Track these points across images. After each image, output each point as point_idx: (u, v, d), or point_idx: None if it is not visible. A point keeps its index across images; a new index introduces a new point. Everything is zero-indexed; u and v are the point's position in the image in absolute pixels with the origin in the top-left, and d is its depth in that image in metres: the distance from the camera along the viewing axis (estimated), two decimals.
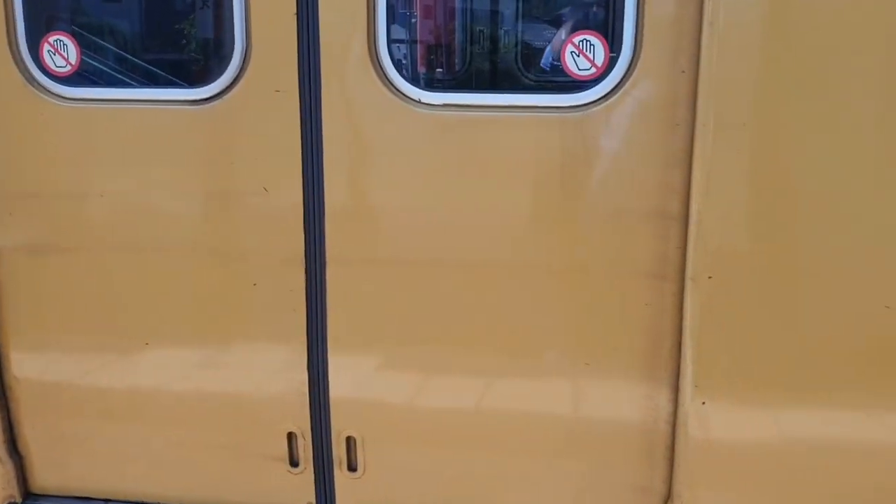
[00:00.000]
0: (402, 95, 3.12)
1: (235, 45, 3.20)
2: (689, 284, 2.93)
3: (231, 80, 3.23)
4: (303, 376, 3.41)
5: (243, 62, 3.20)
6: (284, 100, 3.18)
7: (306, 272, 3.29)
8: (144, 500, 3.74)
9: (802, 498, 3.07)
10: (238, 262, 3.36)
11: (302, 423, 3.45)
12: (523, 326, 3.22)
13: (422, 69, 5.46)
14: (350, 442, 3.46)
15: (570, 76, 3.04)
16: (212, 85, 3.27)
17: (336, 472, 3.51)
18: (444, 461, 3.45)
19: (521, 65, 5.31)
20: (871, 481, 3.00)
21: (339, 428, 3.45)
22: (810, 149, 2.77)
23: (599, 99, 3.01)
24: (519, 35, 5.37)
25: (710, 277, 2.88)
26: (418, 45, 5.33)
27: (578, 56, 3.02)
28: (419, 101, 3.12)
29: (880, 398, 2.93)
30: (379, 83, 3.11)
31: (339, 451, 3.48)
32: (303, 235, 3.27)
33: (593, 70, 3.02)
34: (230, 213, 3.33)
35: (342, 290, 3.30)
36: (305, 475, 3.54)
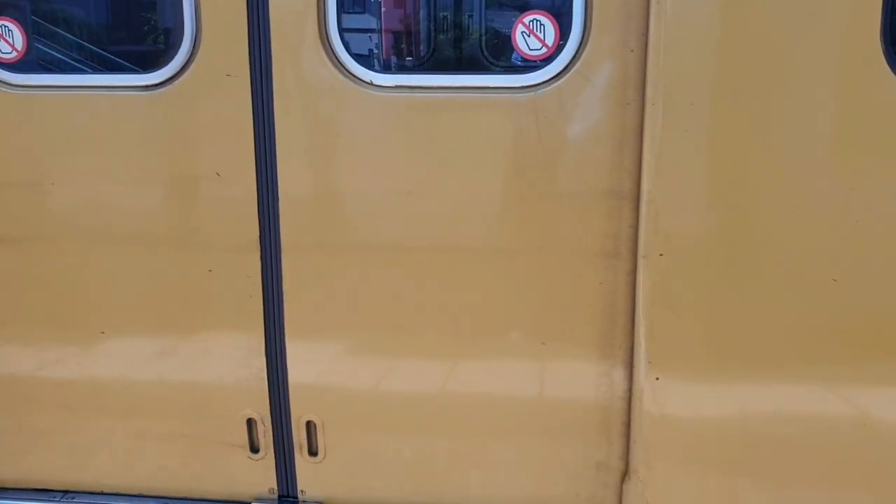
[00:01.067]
0: (353, 78, 3.10)
1: (185, 30, 3.17)
2: (641, 262, 2.97)
3: (182, 65, 3.20)
4: (261, 362, 3.40)
5: (193, 47, 3.18)
6: (235, 84, 3.16)
7: (261, 258, 3.28)
8: (105, 490, 3.71)
9: (757, 471, 3.11)
10: (193, 248, 3.33)
11: (261, 409, 3.46)
12: (479, 308, 3.24)
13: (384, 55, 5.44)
14: (310, 427, 3.46)
15: (520, 56, 3.05)
16: (162, 70, 3.23)
17: (297, 457, 3.52)
18: (405, 444, 3.46)
19: (484, 49, 5.31)
20: (825, 454, 3.04)
21: (299, 413, 3.46)
22: (759, 127, 2.79)
23: (551, 79, 3.02)
24: (475, 19, 5.36)
25: (661, 255, 2.92)
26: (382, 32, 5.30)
27: (529, 36, 3.03)
28: (371, 84, 3.10)
29: (831, 369, 2.96)
30: (330, 65, 3.09)
31: (299, 437, 3.49)
32: (257, 221, 3.25)
33: (544, 50, 3.03)
34: (184, 199, 3.30)
35: (298, 275, 3.29)
36: (266, 461, 3.55)
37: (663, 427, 3.09)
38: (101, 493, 3.72)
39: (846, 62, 2.72)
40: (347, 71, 3.09)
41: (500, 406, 3.34)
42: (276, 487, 3.57)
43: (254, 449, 3.51)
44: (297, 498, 3.60)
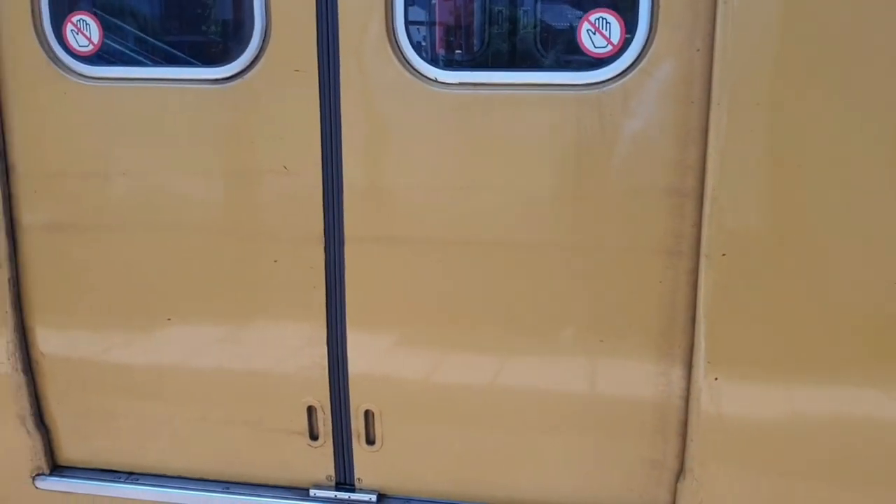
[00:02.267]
0: (418, 74, 3.13)
1: (255, 25, 3.22)
2: (703, 261, 2.95)
3: (251, 60, 3.25)
4: (322, 351, 3.45)
5: (263, 41, 3.23)
6: (304, 79, 3.21)
7: (325, 250, 3.32)
8: (167, 473, 3.81)
9: (814, 474, 3.09)
10: (259, 239, 3.39)
11: (321, 397, 3.51)
12: (539, 304, 3.25)
13: (440, 50, 5.47)
14: (368, 416, 3.52)
15: (586, 54, 3.06)
16: (232, 64, 3.29)
17: (355, 445, 3.57)
18: (461, 436, 3.49)
19: (539, 45, 5.31)
20: (883, 458, 2.99)
21: (358, 402, 3.51)
22: (825, 127, 2.77)
23: (616, 76, 3.02)
24: (538, 15, 5.36)
25: (724, 255, 2.90)
26: (437, 26, 5.32)
27: (595, 34, 3.03)
28: (436, 80, 3.13)
29: (893, 372, 2.92)
30: (396, 62, 3.13)
31: (357, 425, 3.54)
32: (322, 214, 3.30)
33: (609, 48, 3.03)
34: (251, 191, 3.36)
35: (360, 267, 3.34)
36: (325, 448, 3.59)
37: (720, 427, 3.07)
38: (164, 476, 3.81)
39: None
40: (413, 68, 3.13)
41: (555, 401, 3.35)
42: (333, 475, 3.61)
43: (313, 436, 3.57)
44: (353, 485, 3.64)
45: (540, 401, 3.38)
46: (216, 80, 3.32)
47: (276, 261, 3.38)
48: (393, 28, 3.09)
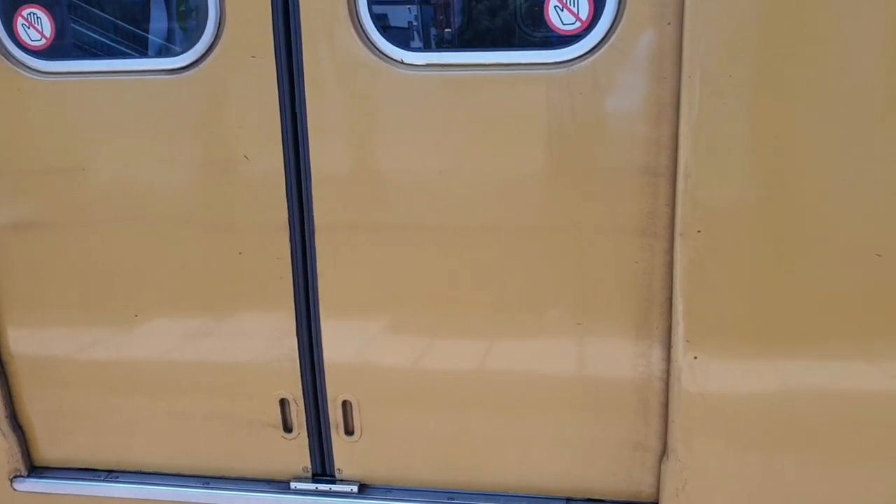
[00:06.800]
0: (384, 56, 3.06)
1: (209, 13, 3.14)
2: (678, 240, 2.90)
3: (206, 48, 3.17)
4: (292, 342, 3.41)
5: (218, 29, 3.15)
6: (261, 65, 3.12)
7: (291, 239, 3.27)
8: (145, 470, 3.77)
9: (799, 448, 3.05)
10: (223, 231, 3.33)
11: (293, 389, 3.47)
12: (513, 287, 3.20)
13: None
14: (346, 406, 3.48)
15: (554, 31, 2.98)
16: (188, 53, 3.21)
17: (333, 436, 3.53)
18: (441, 423, 3.46)
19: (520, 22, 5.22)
20: (867, 429, 2.97)
21: (335, 392, 3.46)
22: (798, 99, 2.70)
23: (585, 54, 2.94)
24: None
25: (699, 232, 2.83)
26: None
27: (563, 10, 2.95)
28: (402, 62, 3.06)
29: (872, 345, 2.88)
30: (360, 44, 3.04)
31: (335, 416, 3.50)
32: (285, 203, 3.24)
33: (578, 24, 2.95)
34: (213, 182, 3.28)
35: (332, 256, 3.28)
36: (300, 440, 3.56)
37: (701, 406, 3.03)
38: (145, 473, 3.77)
39: (894, 24, 2.59)
40: (378, 49, 3.05)
41: (535, 385, 3.32)
42: (310, 466, 3.60)
43: (287, 428, 3.54)
44: (334, 476, 3.61)
45: (520, 385, 3.34)
46: (172, 71, 3.23)
47: (240, 252, 3.32)
48: (356, 7, 3.02)
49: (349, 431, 3.48)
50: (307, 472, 3.61)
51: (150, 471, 3.76)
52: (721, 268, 2.87)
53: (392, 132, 3.11)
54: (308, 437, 3.54)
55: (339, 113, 3.12)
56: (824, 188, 2.76)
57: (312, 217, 3.20)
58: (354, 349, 3.38)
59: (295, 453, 3.59)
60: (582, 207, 3.04)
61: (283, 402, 3.49)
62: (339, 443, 3.52)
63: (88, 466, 3.84)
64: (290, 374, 3.46)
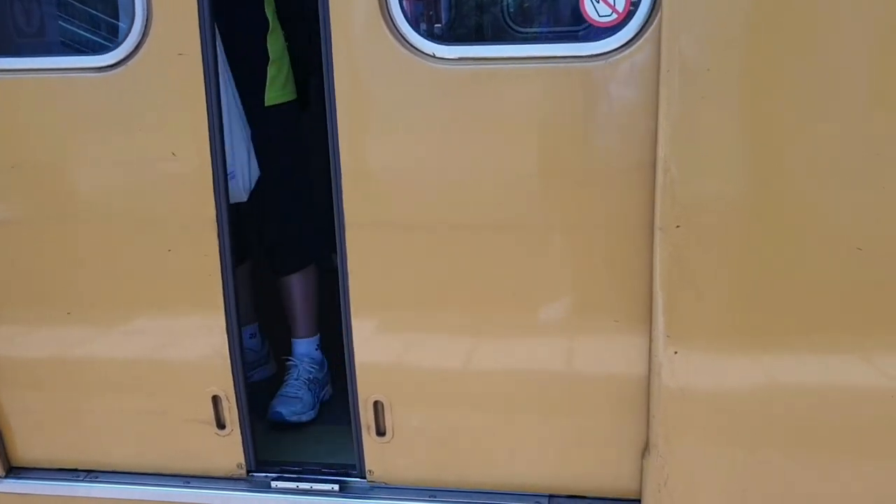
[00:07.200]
0: (414, 50, 2.92)
1: (136, 10, 3.03)
2: (657, 235, 2.82)
3: (134, 46, 3.07)
4: (222, 339, 3.38)
5: (145, 27, 3.04)
6: (188, 63, 3.03)
7: (219, 237, 3.23)
8: (113, 470, 3.76)
9: (782, 443, 3.01)
10: (152, 229, 3.29)
11: (225, 386, 3.45)
12: (551, 286, 3.11)
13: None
14: (377, 406, 3.42)
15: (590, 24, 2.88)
16: (116, 51, 3.10)
17: (364, 437, 3.47)
18: (469, 422, 3.38)
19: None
20: (848, 425, 2.94)
21: (366, 393, 3.40)
22: (778, 92, 2.65)
23: (621, 46, 2.80)
24: None
25: (678, 227, 2.77)
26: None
27: (598, 2, 2.84)
28: (433, 56, 2.93)
29: (855, 339, 2.84)
30: (390, 37, 2.92)
31: (366, 417, 3.43)
32: (213, 200, 3.20)
33: (614, 16, 2.83)
34: (142, 180, 3.24)
35: (362, 254, 3.21)
36: (233, 437, 3.53)
37: (682, 401, 2.98)
38: (127, 473, 3.75)
39: (877, 16, 2.52)
40: (408, 43, 2.92)
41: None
42: (243, 463, 3.59)
43: (220, 425, 3.51)
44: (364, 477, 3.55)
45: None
46: (101, 69, 3.13)
47: (169, 250, 3.28)
48: (386, 1, 2.88)
49: (381, 432, 3.42)
50: (241, 468, 3.58)
51: (110, 469, 3.75)
52: (700, 263, 2.83)
53: (422, 128, 3.02)
54: (241, 433, 3.52)
55: (368, 108, 3.04)
56: (804, 183, 2.72)
57: (343, 215, 3.11)
58: (387, 349, 3.30)
59: (229, 450, 3.56)
60: (614, 204, 2.94)
61: (216, 399, 3.47)
62: (370, 444, 3.45)
63: (67, 466, 3.82)
64: (222, 370, 3.43)
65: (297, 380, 4.05)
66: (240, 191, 3.61)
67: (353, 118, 3.01)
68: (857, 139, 2.61)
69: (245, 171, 3.61)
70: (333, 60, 2.94)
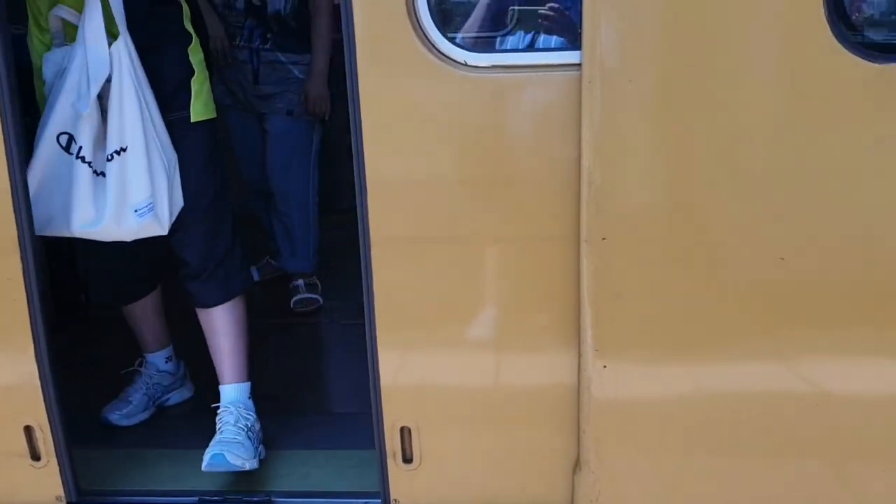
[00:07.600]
0: (445, 58, 2.79)
1: None
2: (583, 247, 2.81)
3: None
4: (32, 368, 3.24)
5: None
6: None
7: (22, 259, 3.08)
8: None
9: (714, 452, 3.02)
10: None
11: (38, 415, 3.32)
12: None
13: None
14: (403, 433, 3.21)
15: None
16: None
17: (390, 463, 3.25)
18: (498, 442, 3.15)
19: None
20: (777, 432, 2.97)
21: (392, 419, 3.19)
22: (700, 106, 2.66)
23: None
24: None
25: (603, 239, 2.79)
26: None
27: None
28: (465, 64, 2.80)
29: (778, 348, 2.90)
30: (419, 45, 2.79)
31: (392, 443, 3.19)
32: (13, 219, 3.06)
33: None
34: None
35: (389, 271, 3.06)
36: (50, 467, 3.39)
37: (612, 415, 2.98)
38: None
39: (791, 32, 2.60)
40: (438, 51, 2.80)
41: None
42: (62, 494, 3.44)
43: (35, 457, 3.36)
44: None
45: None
46: None
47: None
48: (414, 5, 2.77)
49: (407, 459, 3.19)
50: (61, 500, 3.43)
51: None
52: (626, 275, 2.87)
53: (453, 137, 2.90)
54: (59, 464, 3.37)
55: (395, 117, 2.91)
56: (727, 194, 2.77)
57: (368, 231, 2.99)
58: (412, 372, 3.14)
59: (44, 482, 3.41)
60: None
61: (29, 430, 3.34)
62: (395, 471, 3.23)
63: None
64: (33, 399, 3.30)
65: (234, 425, 3.53)
66: (158, 224, 3.29)
67: (378, 127, 2.88)
68: (779, 151, 2.66)
69: (164, 203, 3.28)
70: (357, 66, 2.83)
